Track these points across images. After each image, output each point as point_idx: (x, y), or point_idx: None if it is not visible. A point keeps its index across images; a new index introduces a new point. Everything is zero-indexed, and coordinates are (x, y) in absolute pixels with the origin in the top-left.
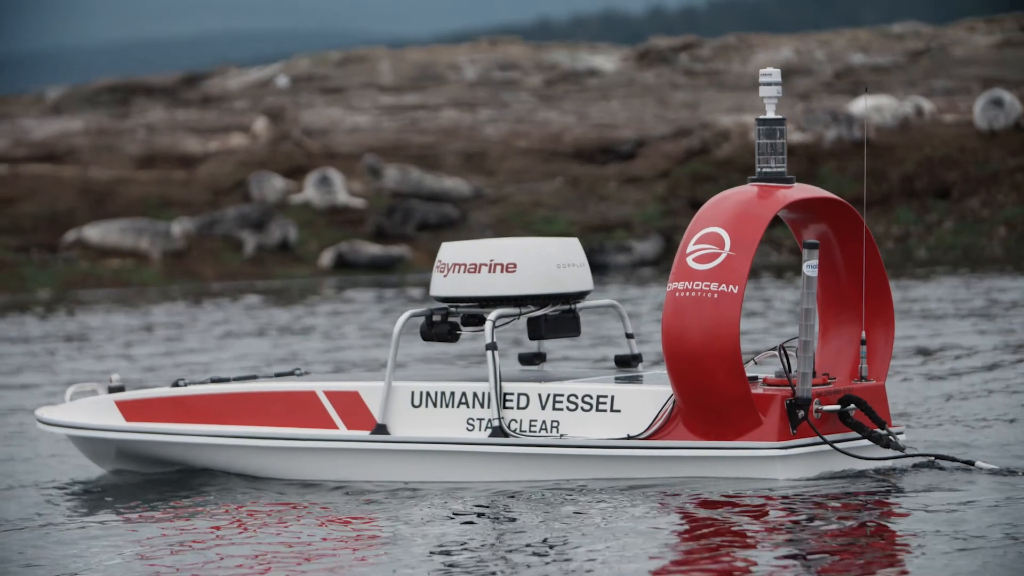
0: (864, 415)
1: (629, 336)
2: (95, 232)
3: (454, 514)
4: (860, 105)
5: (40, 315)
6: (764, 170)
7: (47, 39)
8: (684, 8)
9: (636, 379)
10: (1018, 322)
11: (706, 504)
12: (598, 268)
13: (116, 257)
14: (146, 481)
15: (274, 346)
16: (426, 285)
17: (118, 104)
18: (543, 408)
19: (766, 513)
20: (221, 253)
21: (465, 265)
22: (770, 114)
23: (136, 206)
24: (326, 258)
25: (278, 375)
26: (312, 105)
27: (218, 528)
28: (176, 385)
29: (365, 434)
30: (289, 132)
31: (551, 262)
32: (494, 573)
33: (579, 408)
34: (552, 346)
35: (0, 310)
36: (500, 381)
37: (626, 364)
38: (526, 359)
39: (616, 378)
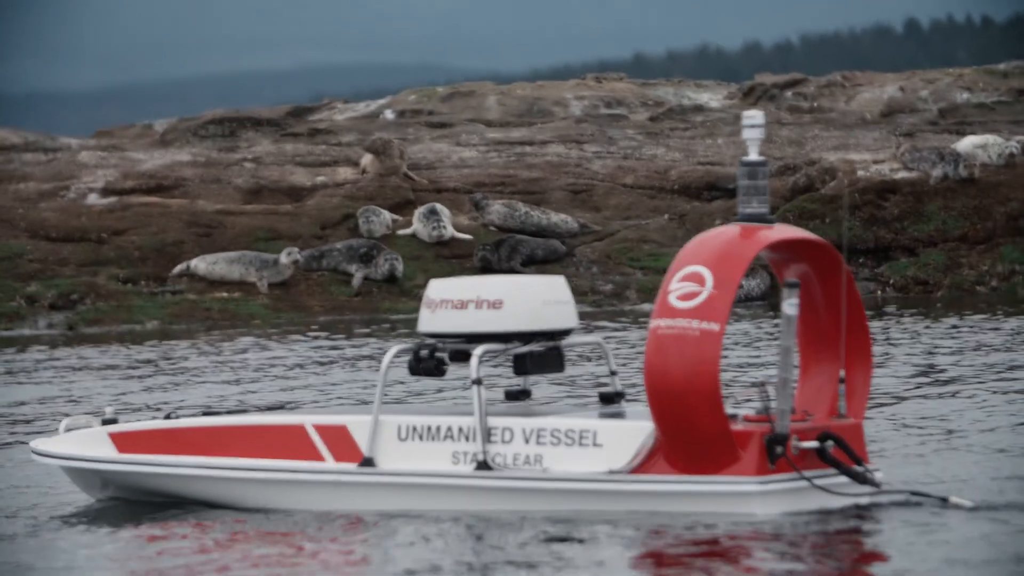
0: (841, 452)
1: (613, 373)
2: (203, 264)
3: (437, 546)
4: (966, 144)
5: (148, 345)
6: (746, 211)
7: (154, 71)
8: (779, 44)
9: (619, 415)
10: None
11: (685, 538)
12: None
13: (223, 289)
14: (135, 511)
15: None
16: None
17: (225, 137)
18: (527, 442)
19: (744, 548)
20: (328, 286)
21: (452, 301)
22: (752, 156)
23: (243, 238)
24: None
25: (270, 408)
26: (419, 139)
27: (203, 554)
28: (168, 418)
29: (352, 467)
30: (396, 166)
31: (537, 299)
32: None
33: (562, 443)
34: (538, 382)
35: (107, 340)
36: (485, 416)
37: (610, 401)
38: (512, 395)
39: (599, 414)
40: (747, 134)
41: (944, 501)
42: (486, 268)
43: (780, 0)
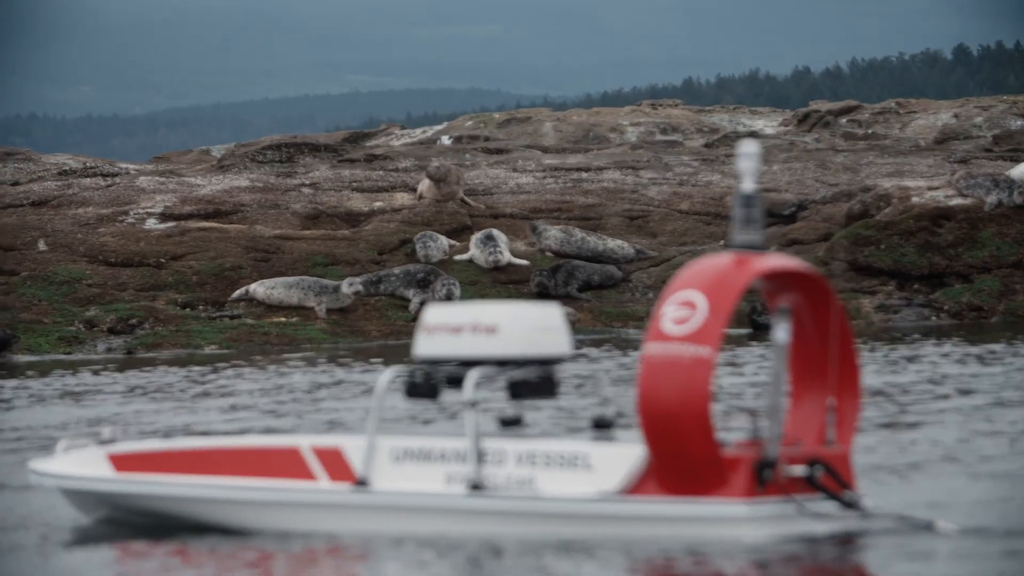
0: (830, 478)
1: (605, 401)
2: (261, 289)
3: (429, 567)
4: (1020, 170)
5: (202, 369)
6: (741, 239)
7: (207, 97)
8: (828, 71)
9: (611, 439)
10: None
11: (674, 560)
12: (760, 329)
13: (282, 313)
14: (128, 532)
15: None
16: (594, 343)
17: (283, 162)
18: (519, 465)
19: (732, 571)
20: (386, 311)
21: (448, 326)
22: (747, 186)
23: (301, 263)
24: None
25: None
26: (475, 165)
27: (193, 569)
28: (164, 439)
29: (347, 488)
30: (454, 192)
31: (531, 326)
32: None
33: (554, 465)
34: (531, 407)
35: (165, 364)
36: (479, 438)
37: (602, 426)
38: (505, 422)
39: (592, 437)
40: (742, 164)
41: (930, 526)
42: (543, 294)
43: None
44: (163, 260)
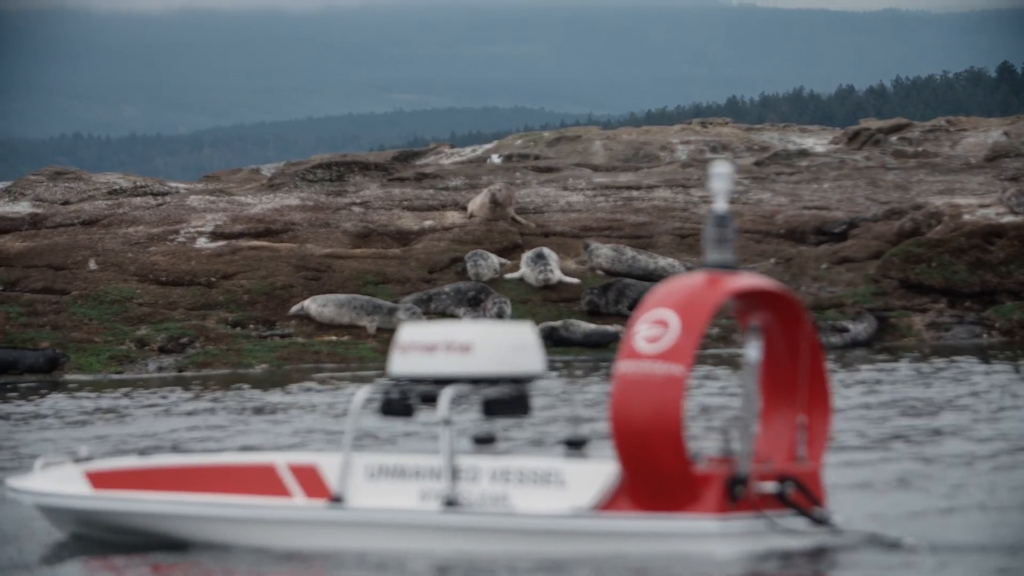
0: (800, 495)
1: (577, 419)
2: (313, 305)
3: None
4: None
5: (251, 388)
6: (713, 259)
7: (251, 116)
8: (872, 89)
9: (583, 456)
10: None
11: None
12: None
13: (332, 332)
14: (101, 549)
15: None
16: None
17: (333, 181)
18: (493, 481)
19: None
20: None
21: (423, 345)
22: (720, 207)
23: (352, 282)
24: (539, 333)
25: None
26: (526, 183)
27: None
28: (141, 456)
29: (322, 504)
30: (504, 210)
31: (505, 344)
32: None
33: (528, 482)
34: (505, 425)
35: (215, 383)
36: (453, 455)
37: (574, 445)
38: (479, 439)
39: (564, 455)
40: (714, 185)
41: (898, 544)
42: (593, 312)
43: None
44: (214, 279)
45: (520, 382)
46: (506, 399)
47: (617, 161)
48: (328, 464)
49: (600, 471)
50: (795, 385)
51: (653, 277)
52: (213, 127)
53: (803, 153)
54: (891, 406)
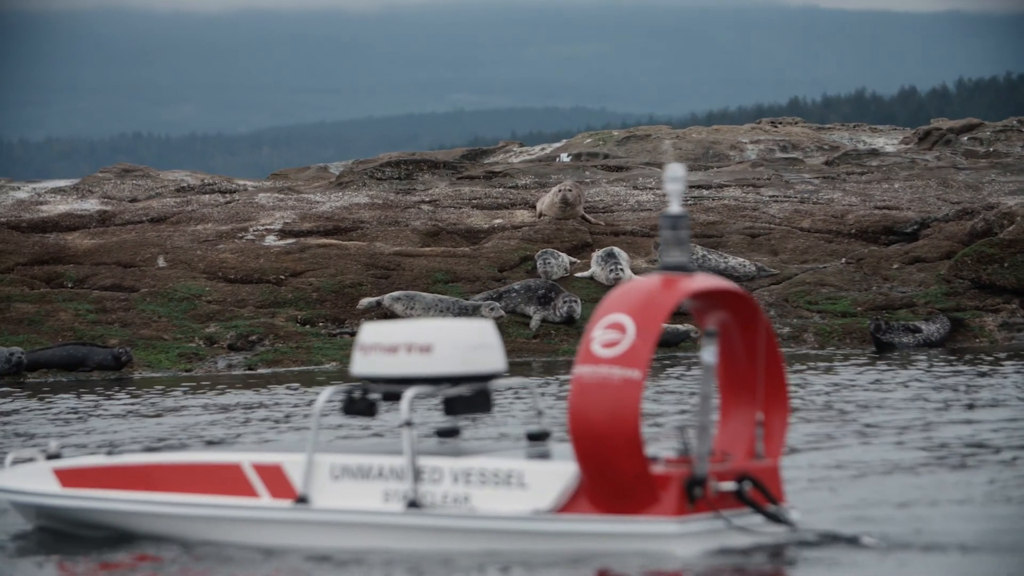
0: (758, 493)
1: (539, 413)
2: (399, 306)
3: None
4: None
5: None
6: (668, 261)
7: (311, 115)
8: (935, 90)
9: (545, 455)
10: None
11: None
12: (885, 348)
13: None
14: (69, 542)
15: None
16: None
17: (401, 179)
18: (455, 482)
19: None
20: (507, 327)
21: (384, 346)
22: (674, 208)
23: (421, 280)
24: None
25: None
26: (595, 182)
27: None
28: (109, 454)
29: (287, 504)
30: (574, 209)
31: (465, 344)
32: None
33: (489, 483)
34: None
35: (284, 381)
36: (415, 456)
37: (537, 439)
38: (443, 433)
39: (526, 454)
40: (668, 187)
41: (855, 540)
42: None
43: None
44: (283, 277)
45: (481, 380)
46: (467, 397)
47: (687, 160)
48: (293, 464)
49: (561, 472)
50: (753, 383)
51: (723, 276)
52: (273, 126)
53: (873, 153)
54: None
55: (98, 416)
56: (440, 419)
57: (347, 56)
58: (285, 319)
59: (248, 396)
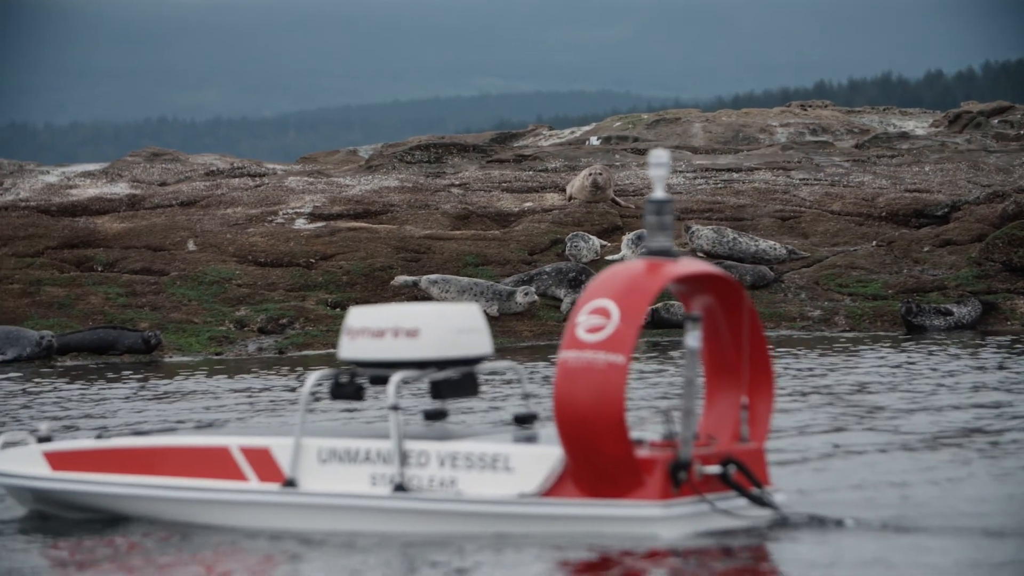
0: (743, 476)
1: (527, 396)
2: (435, 289)
3: (354, 566)
4: None
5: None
6: (652, 246)
7: (336, 99)
8: (961, 73)
9: (531, 438)
10: None
11: (591, 561)
12: (916, 330)
13: None
14: (59, 525)
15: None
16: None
17: (431, 163)
18: (442, 466)
19: (647, 570)
20: (538, 310)
21: (371, 330)
22: (658, 194)
23: (452, 263)
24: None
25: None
26: (625, 166)
27: (114, 571)
28: (98, 437)
29: (275, 487)
30: (604, 193)
31: (452, 328)
32: None
33: (475, 467)
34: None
35: (313, 364)
36: (402, 440)
37: (523, 422)
38: (430, 415)
39: (513, 436)
40: (652, 172)
41: (840, 523)
42: None
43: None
44: (313, 260)
45: (468, 364)
46: (454, 381)
47: (716, 143)
48: (280, 447)
49: (546, 456)
50: (738, 366)
51: (754, 259)
52: (298, 110)
53: (903, 136)
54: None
55: (124, 398)
56: (428, 403)
57: (372, 40)
58: (315, 302)
59: (276, 379)
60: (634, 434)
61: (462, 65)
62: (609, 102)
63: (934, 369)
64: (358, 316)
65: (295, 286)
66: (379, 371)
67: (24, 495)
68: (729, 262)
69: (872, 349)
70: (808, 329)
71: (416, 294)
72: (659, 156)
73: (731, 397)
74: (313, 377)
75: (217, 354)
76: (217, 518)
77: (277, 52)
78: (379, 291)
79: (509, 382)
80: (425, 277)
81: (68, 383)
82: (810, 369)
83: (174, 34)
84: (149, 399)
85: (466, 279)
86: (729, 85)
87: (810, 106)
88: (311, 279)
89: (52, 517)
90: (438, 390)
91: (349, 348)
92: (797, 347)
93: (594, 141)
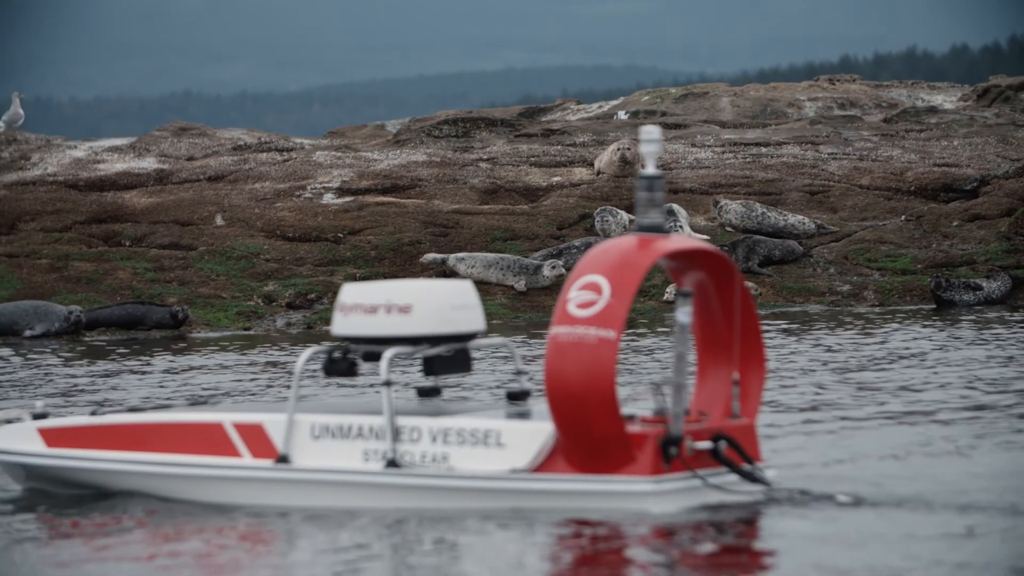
0: (734, 452)
1: (520, 373)
2: (462, 266)
3: (347, 541)
4: None
5: None
6: (644, 222)
7: (360, 73)
8: (987, 47)
9: (524, 414)
10: None
11: (582, 536)
12: (945, 305)
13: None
14: (56, 501)
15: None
16: (772, 318)
17: (459, 137)
18: (434, 442)
19: (637, 543)
20: None
21: (364, 306)
22: (650, 170)
23: (480, 238)
24: (669, 291)
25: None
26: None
27: (116, 547)
28: (93, 414)
29: (268, 463)
30: (633, 167)
31: (444, 304)
32: None
33: (467, 442)
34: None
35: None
36: (394, 416)
37: (516, 398)
38: (423, 392)
39: (506, 412)
40: (644, 149)
41: (831, 499)
42: None
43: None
44: (341, 235)
45: (460, 340)
46: (447, 357)
47: (745, 118)
48: (274, 423)
49: (538, 431)
50: (730, 342)
51: (783, 234)
52: (323, 84)
53: (932, 110)
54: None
55: (149, 373)
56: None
57: (397, 13)
58: (343, 277)
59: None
60: (625, 410)
61: (487, 39)
62: (634, 76)
63: (959, 344)
64: (351, 292)
65: (323, 261)
66: (372, 347)
67: (21, 473)
68: (757, 236)
69: (899, 324)
70: (837, 304)
71: (444, 271)
72: (650, 132)
73: (723, 373)
74: (306, 354)
75: (245, 329)
76: (211, 494)
77: (303, 26)
78: (407, 266)
79: (504, 358)
80: (453, 255)
81: (95, 359)
82: (833, 343)
83: (200, 8)
84: (177, 374)
85: (492, 255)
86: (754, 59)
87: (838, 80)
88: (339, 254)
89: (49, 495)
90: (431, 366)
91: (342, 324)
92: (823, 322)
93: (622, 115)
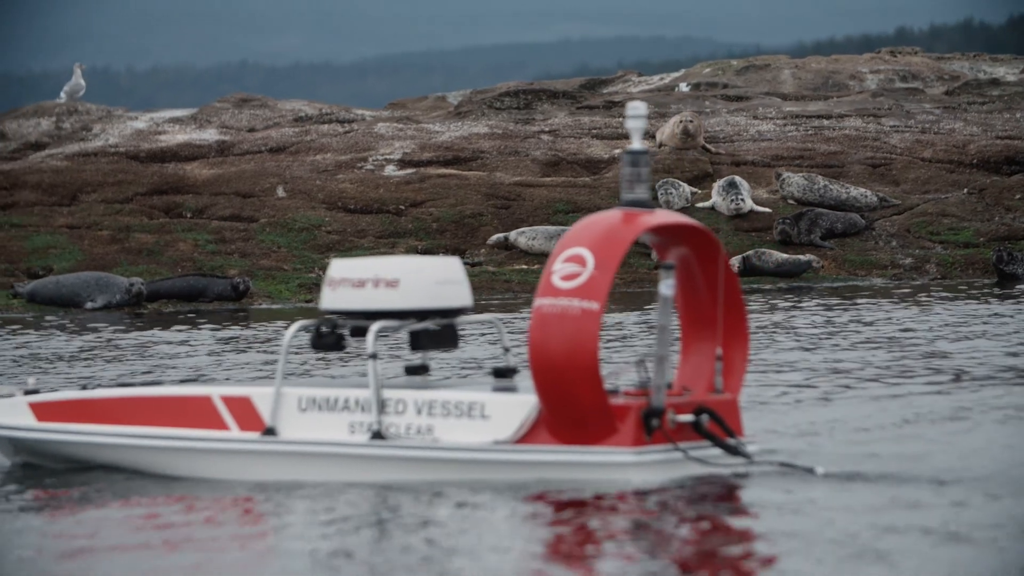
0: (716, 425)
1: (507, 349)
2: (522, 239)
3: (333, 512)
4: None
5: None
6: (628, 197)
7: (415, 44)
8: None
9: (508, 388)
10: None
11: (565, 505)
12: (1008, 279)
13: (524, 261)
14: (45, 475)
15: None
16: (836, 292)
17: (520, 109)
18: (419, 414)
19: (619, 513)
20: (629, 258)
21: (351, 280)
22: (635, 145)
23: (542, 211)
24: (734, 263)
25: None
26: (715, 112)
27: (98, 520)
28: (84, 388)
29: (255, 436)
30: (694, 140)
31: (431, 279)
32: (370, 566)
33: (452, 414)
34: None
35: None
36: (380, 388)
37: (503, 375)
38: (411, 370)
39: (492, 387)
40: (630, 124)
41: (811, 471)
42: (785, 241)
43: None
44: (403, 207)
45: (447, 315)
46: (433, 332)
47: (806, 90)
48: (261, 396)
49: (521, 403)
50: (713, 317)
51: (845, 207)
52: (378, 55)
53: (994, 83)
54: None
55: (206, 344)
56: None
57: None
58: (405, 249)
59: None
60: (608, 382)
61: (541, 9)
62: (690, 47)
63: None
64: (339, 267)
65: (385, 233)
66: (359, 321)
67: (8, 447)
68: (819, 209)
69: (959, 297)
70: (899, 277)
71: (507, 246)
72: (636, 108)
73: (706, 349)
74: (294, 327)
75: (307, 301)
76: (199, 467)
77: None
78: (469, 238)
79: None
80: (515, 231)
81: (156, 329)
82: (886, 316)
83: None
84: (240, 345)
85: (553, 227)
86: (810, 30)
87: (900, 52)
88: (401, 226)
89: (38, 468)
90: (417, 341)
91: (330, 298)
92: (881, 296)
93: (683, 88)
